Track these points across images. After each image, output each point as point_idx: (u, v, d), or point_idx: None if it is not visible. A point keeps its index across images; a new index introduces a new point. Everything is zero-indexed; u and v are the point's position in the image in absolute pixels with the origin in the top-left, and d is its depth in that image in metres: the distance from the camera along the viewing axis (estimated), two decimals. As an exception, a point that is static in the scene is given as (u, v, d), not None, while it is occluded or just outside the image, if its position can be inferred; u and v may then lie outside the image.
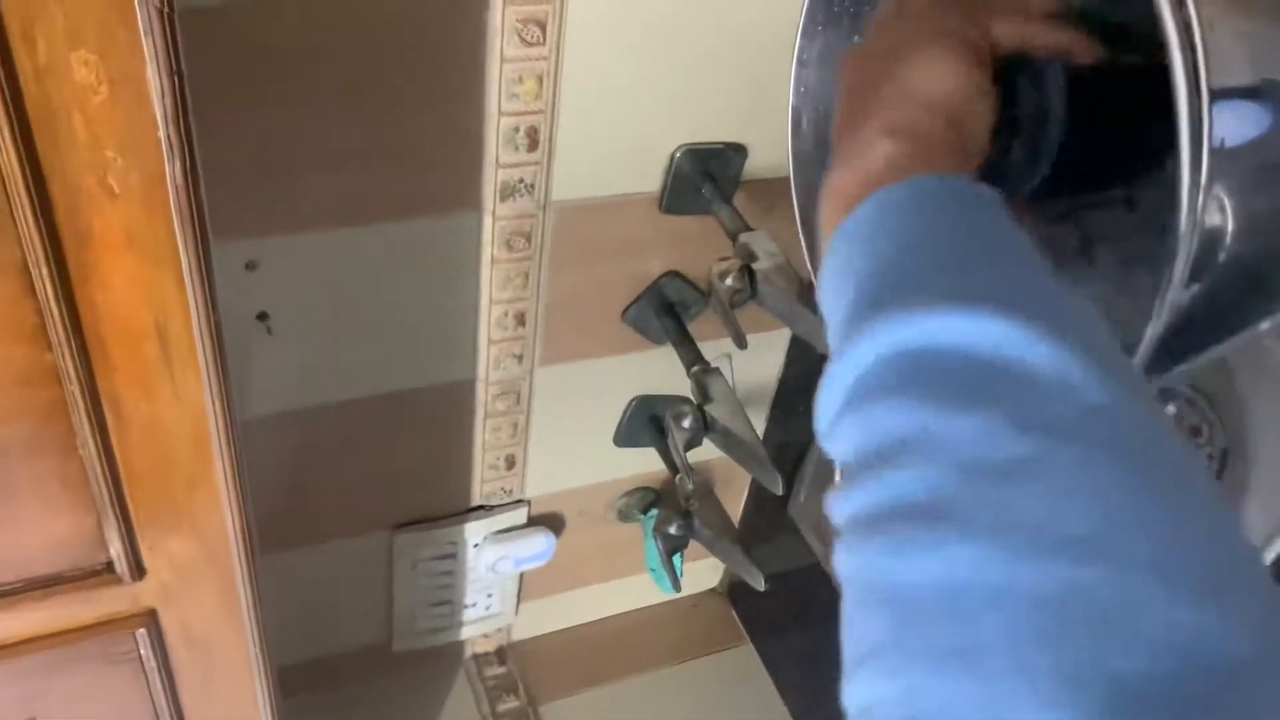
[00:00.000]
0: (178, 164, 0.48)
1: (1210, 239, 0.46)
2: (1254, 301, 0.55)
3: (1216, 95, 0.39)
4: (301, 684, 1.19)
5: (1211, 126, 0.38)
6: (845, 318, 0.35)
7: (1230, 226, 0.48)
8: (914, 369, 0.32)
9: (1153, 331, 0.42)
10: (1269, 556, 0.74)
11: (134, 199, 0.49)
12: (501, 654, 1.36)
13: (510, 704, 1.31)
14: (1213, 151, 0.39)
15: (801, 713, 1.34)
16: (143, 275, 0.52)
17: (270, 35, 0.76)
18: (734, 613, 1.47)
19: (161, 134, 0.47)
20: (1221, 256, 0.49)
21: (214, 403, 0.59)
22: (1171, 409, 0.90)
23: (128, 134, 0.47)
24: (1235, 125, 0.45)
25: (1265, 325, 0.65)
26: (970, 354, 0.31)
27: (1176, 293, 0.40)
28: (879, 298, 0.34)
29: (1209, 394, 0.86)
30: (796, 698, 1.35)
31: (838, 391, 0.34)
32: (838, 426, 0.34)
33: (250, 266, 0.88)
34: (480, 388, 1.07)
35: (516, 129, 0.88)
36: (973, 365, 0.31)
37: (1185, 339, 0.49)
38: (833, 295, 0.37)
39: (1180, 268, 0.40)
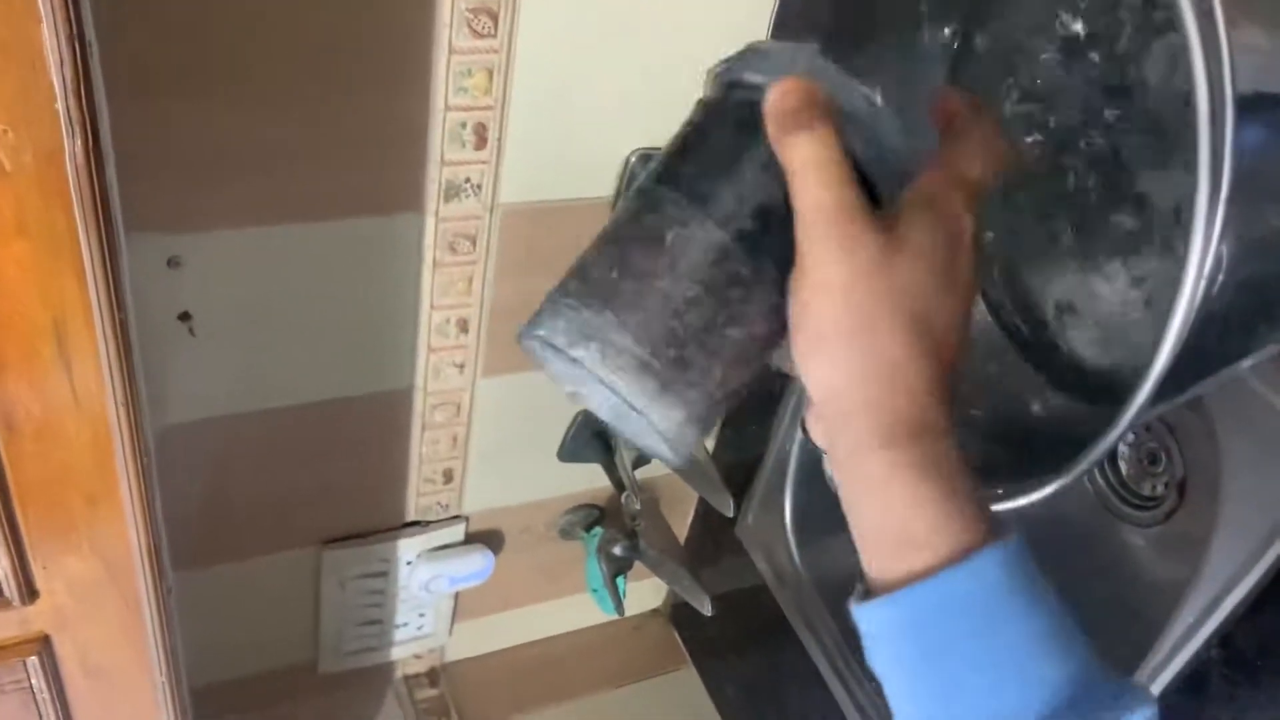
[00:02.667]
0: (78, 141, 0.43)
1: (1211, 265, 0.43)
2: (1242, 336, 0.53)
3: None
4: (221, 706, 1.13)
5: (1236, 135, 0.34)
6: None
7: (1227, 251, 0.45)
8: None
9: (1163, 361, 0.38)
10: (1233, 600, 0.72)
11: (27, 178, 0.43)
12: (433, 676, 1.31)
13: (442, 728, 1.25)
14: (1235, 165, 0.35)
15: (743, 739, 1.30)
16: (37, 265, 0.46)
17: (199, 17, 0.71)
18: (676, 635, 1.43)
19: (60, 106, 0.42)
20: (1218, 284, 0.46)
21: (118, 409, 0.53)
22: (1130, 435, 0.88)
23: (20, 105, 0.42)
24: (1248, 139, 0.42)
25: (1247, 364, 0.62)
26: None
27: (1189, 317, 0.37)
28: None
29: (1170, 422, 0.84)
30: (738, 723, 1.31)
31: None
32: None
33: (172, 263, 0.82)
34: (418, 397, 1.02)
35: (464, 125, 0.84)
36: None
37: (1177, 373, 0.46)
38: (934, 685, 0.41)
39: (1193, 291, 0.37)
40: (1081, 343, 0.59)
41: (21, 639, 0.61)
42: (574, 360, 0.40)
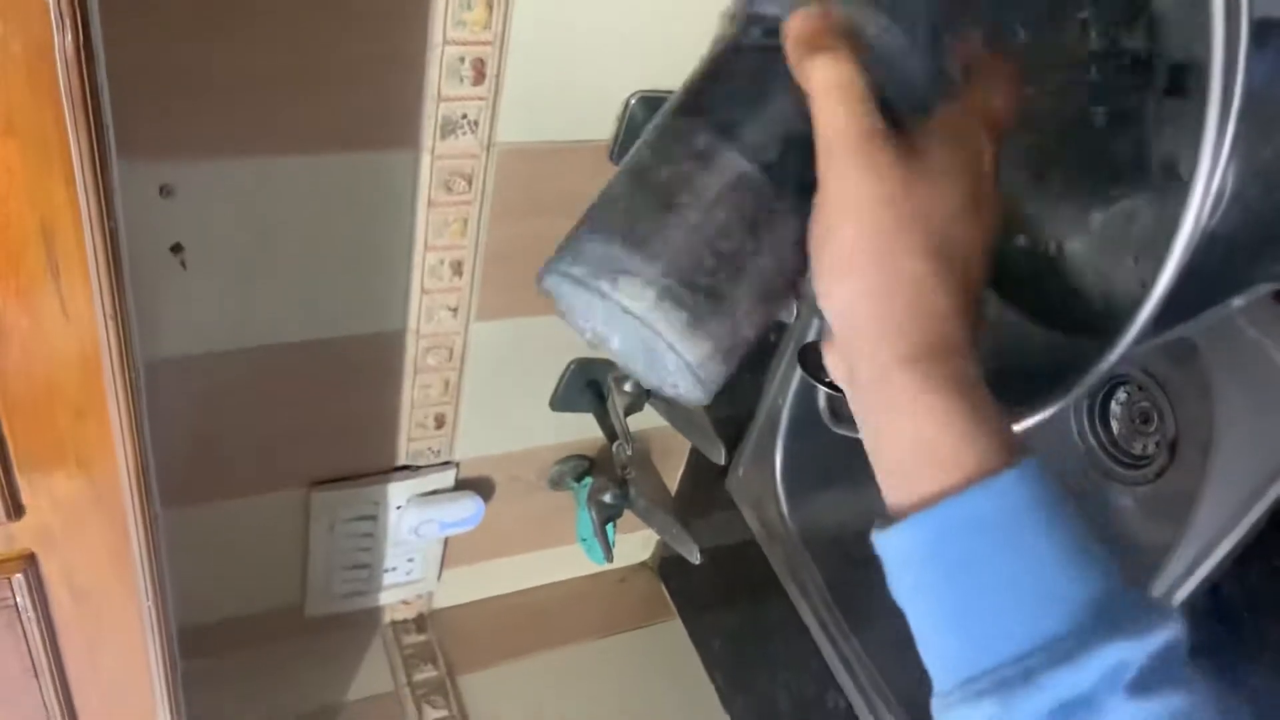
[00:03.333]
0: (69, 35, 0.42)
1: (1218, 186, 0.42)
2: (1246, 262, 0.52)
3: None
4: (207, 646, 1.13)
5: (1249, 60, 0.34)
6: (1045, 638, 0.38)
7: (1233, 175, 0.45)
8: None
9: (1163, 286, 0.38)
10: (1220, 552, 0.72)
11: (16, 73, 0.42)
12: (421, 621, 1.31)
13: (428, 673, 1.26)
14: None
15: (728, 690, 1.31)
16: (25, 166, 0.45)
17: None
18: (664, 587, 1.43)
19: (49, -3, 0.41)
20: (1222, 206, 0.45)
21: (107, 322, 0.52)
22: (1122, 394, 0.87)
23: (8, -5, 0.41)
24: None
25: (1238, 302, 0.62)
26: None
27: (1192, 240, 0.36)
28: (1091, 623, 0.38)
29: (1162, 379, 0.84)
30: (723, 675, 1.32)
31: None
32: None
33: (165, 192, 0.81)
34: (410, 340, 1.01)
35: (461, 59, 0.82)
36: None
37: (1180, 296, 0.46)
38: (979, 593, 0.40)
39: (1196, 218, 0.36)
40: (1079, 281, 0.58)
41: (7, 556, 0.60)
42: (601, 294, 0.40)
